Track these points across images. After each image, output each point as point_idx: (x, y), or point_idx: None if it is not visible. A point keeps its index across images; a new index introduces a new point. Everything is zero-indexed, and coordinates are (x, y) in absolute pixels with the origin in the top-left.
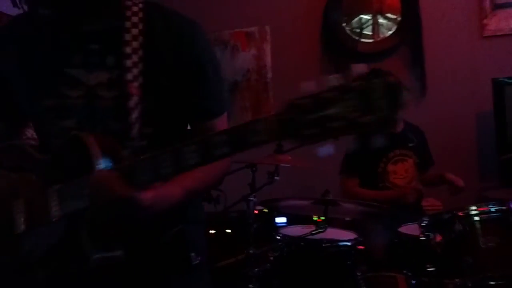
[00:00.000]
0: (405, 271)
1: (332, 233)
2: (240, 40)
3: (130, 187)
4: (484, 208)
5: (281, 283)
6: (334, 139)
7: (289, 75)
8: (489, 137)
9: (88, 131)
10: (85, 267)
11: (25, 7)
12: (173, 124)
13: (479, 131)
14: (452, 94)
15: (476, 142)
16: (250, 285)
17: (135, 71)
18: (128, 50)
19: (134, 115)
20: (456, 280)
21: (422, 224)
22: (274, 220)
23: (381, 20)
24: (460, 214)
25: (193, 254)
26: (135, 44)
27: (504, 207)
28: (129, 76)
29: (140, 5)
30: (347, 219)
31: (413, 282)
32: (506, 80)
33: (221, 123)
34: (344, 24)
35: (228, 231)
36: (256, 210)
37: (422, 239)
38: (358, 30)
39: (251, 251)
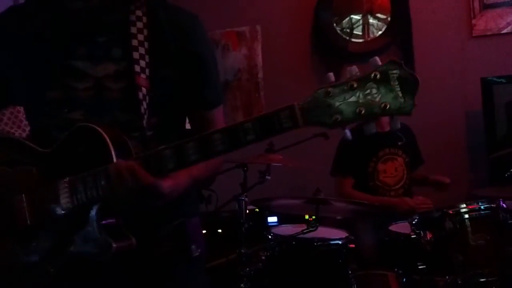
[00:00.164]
0: (396, 269)
1: (323, 232)
2: (231, 39)
3: (152, 175)
4: (474, 206)
5: (272, 282)
6: (356, 124)
7: (280, 74)
8: (478, 136)
9: (95, 122)
10: (104, 258)
11: None
12: (176, 114)
13: (468, 130)
14: (441, 93)
15: (465, 141)
16: (242, 285)
17: (142, 63)
18: (134, 42)
19: (143, 106)
20: (447, 277)
21: (413, 222)
22: (266, 219)
23: (371, 20)
24: (450, 212)
25: (193, 246)
26: (140, 37)
27: (493, 205)
28: (137, 68)
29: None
30: (338, 218)
31: (404, 280)
32: (495, 79)
33: (219, 114)
34: (334, 24)
35: (220, 230)
36: (248, 209)
37: (412, 237)
38: (348, 30)
39: (242, 251)
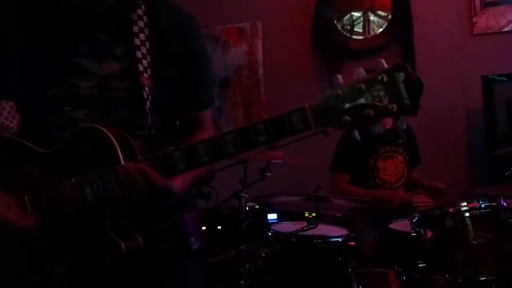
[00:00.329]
0: (396, 267)
1: (323, 229)
2: (231, 35)
3: (164, 176)
4: (474, 204)
5: (272, 280)
6: (365, 125)
7: (281, 71)
8: (479, 134)
9: (99, 122)
10: (113, 258)
11: None
12: (174, 113)
13: (469, 128)
14: (442, 91)
15: (466, 139)
16: (242, 282)
17: (145, 62)
18: (137, 41)
19: (147, 105)
20: (447, 276)
21: (413, 220)
22: (266, 216)
23: (372, 17)
24: (450, 210)
25: (192, 239)
26: (142, 36)
27: (494, 203)
28: (140, 67)
29: None
30: (338, 215)
31: (404, 278)
32: (495, 77)
33: (209, 115)
34: (335, 21)
35: (219, 227)
36: (248, 206)
37: (413, 235)
38: (349, 27)
39: (242, 248)
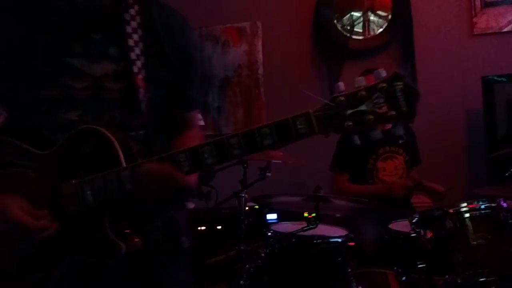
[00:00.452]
0: (395, 268)
1: (323, 229)
2: (231, 35)
3: (183, 175)
4: (474, 205)
5: (272, 280)
6: (365, 130)
7: (281, 71)
8: (479, 135)
9: (93, 123)
10: (113, 260)
11: None
12: (167, 114)
13: (469, 129)
14: (442, 91)
15: (465, 140)
16: (241, 282)
17: (139, 63)
18: (131, 42)
19: (142, 106)
20: (446, 276)
21: (413, 220)
22: (265, 216)
23: (372, 17)
24: (450, 211)
25: (184, 237)
26: (135, 36)
27: (494, 204)
28: (135, 69)
29: None
30: (338, 215)
31: (404, 278)
32: (495, 78)
33: (196, 117)
34: (335, 21)
35: (219, 227)
36: (247, 206)
37: (412, 236)
38: (349, 27)
39: (242, 248)
